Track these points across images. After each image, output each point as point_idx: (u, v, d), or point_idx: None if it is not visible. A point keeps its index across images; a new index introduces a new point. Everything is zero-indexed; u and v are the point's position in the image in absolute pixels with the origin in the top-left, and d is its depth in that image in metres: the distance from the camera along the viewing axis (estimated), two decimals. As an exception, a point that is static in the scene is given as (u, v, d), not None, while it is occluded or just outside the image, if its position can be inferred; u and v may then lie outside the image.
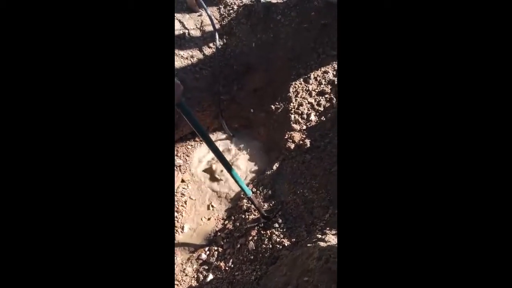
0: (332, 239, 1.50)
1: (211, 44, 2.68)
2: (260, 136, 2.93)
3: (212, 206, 2.50)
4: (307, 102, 2.56)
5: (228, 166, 1.56)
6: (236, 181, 1.66)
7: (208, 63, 2.62)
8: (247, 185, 2.60)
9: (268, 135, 2.85)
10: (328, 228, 1.71)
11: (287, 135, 2.54)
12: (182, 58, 2.53)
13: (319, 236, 1.61)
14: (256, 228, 2.08)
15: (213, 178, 2.71)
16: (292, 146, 2.47)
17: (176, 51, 2.52)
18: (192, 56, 2.57)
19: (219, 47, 2.69)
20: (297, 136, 2.50)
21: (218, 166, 2.77)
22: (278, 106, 2.70)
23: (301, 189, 2.14)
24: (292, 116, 2.56)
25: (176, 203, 2.47)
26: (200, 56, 2.61)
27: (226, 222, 2.36)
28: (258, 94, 2.82)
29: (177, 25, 2.66)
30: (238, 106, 2.86)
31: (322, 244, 1.46)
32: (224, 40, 2.71)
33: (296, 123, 2.55)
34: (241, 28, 2.70)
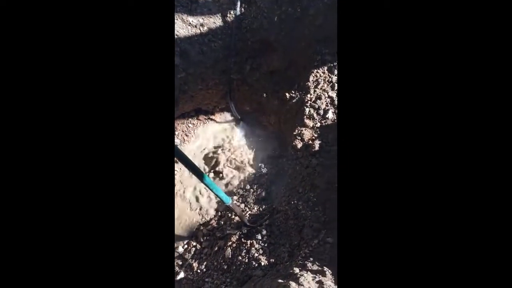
0: (307, 281, 1.21)
1: (227, 13, 2.30)
2: (269, 125, 2.60)
3: (201, 195, 2.28)
4: (326, 96, 2.17)
5: (199, 174, 1.28)
6: (211, 190, 1.39)
7: (220, 35, 2.27)
8: (244, 179, 2.34)
9: (277, 126, 2.51)
10: (311, 260, 1.42)
11: (297, 131, 2.19)
12: (191, 26, 2.21)
13: (296, 270, 1.32)
14: (237, 234, 1.84)
15: (209, 164, 2.48)
16: (300, 145, 2.13)
17: (185, 17, 2.19)
18: (202, 25, 2.23)
19: (239, 14, 2.29)
20: (307, 134, 2.15)
21: (220, 154, 2.52)
22: (293, 95, 2.33)
23: (296, 199, 1.83)
24: (307, 109, 2.19)
25: (164, 185, 2.29)
26: (212, 25, 2.26)
27: (211, 217, 2.15)
28: (274, 77, 2.44)
29: (192, -15, 2.30)
30: (250, 88, 2.52)
31: (293, 285, 1.19)
32: (242, 9, 2.32)
33: (309, 119, 2.18)
34: (265, -4, 2.28)
